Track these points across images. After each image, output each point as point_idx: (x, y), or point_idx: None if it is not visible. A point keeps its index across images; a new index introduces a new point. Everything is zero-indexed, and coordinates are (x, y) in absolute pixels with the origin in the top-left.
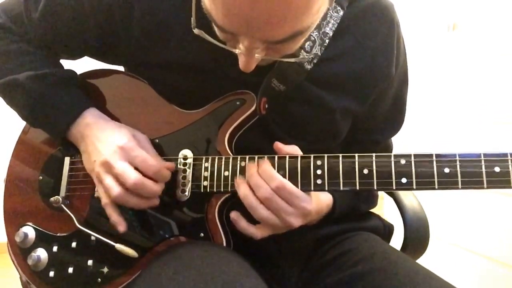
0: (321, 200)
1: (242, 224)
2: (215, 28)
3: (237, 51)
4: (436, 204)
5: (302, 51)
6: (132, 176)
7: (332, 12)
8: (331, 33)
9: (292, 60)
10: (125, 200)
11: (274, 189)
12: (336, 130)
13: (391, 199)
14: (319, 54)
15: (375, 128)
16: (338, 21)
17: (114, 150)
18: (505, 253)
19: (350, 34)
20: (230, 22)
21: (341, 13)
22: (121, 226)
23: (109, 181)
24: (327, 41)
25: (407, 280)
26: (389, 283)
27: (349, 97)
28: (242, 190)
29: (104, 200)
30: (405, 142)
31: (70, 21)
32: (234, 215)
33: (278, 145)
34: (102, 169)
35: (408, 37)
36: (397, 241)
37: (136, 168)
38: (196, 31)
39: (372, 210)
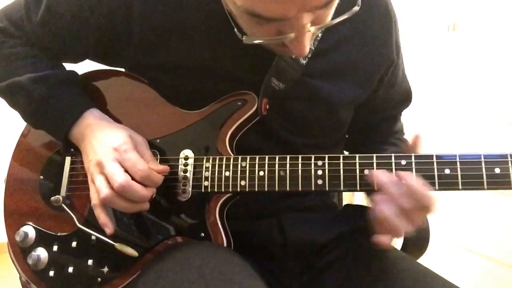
0: None
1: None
2: (252, 27)
3: (291, 35)
4: (436, 204)
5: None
6: (119, 178)
7: None
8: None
9: (341, 18)
10: (113, 202)
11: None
12: (338, 121)
13: None
14: (313, 48)
15: (393, 104)
16: None
17: (108, 151)
18: (505, 253)
19: (346, 23)
20: (278, 5)
21: None
22: (109, 228)
23: (99, 181)
24: (320, 35)
25: (409, 280)
26: (392, 283)
27: (349, 85)
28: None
29: (93, 201)
30: None
31: (71, 24)
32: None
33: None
34: (95, 169)
35: (408, 37)
36: (397, 241)
37: (128, 171)
38: (245, 39)
39: None
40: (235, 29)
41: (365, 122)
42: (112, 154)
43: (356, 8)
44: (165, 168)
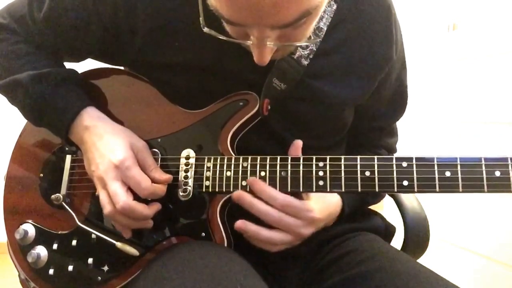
0: (331, 204)
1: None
2: (224, 24)
3: (249, 42)
4: (436, 204)
5: (299, 48)
6: (120, 199)
7: (326, 7)
8: (325, 28)
9: (305, 43)
10: (116, 219)
11: (279, 208)
12: (341, 123)
13: (391, 199)
14: (315, 49)
15: (380, 114)
16: (332, 15)
17: (109, 167)
18: (504, 253)
19: (347, 24)
20: (236, 13)
21: (335, 7)
22: (126, 233)
23: (102, 197)
24: (321, 35)
25: (410, 280)
26: (391, 283)
27: (351, 86)
28: (251, 230)
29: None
30: (404, 142)
31: (74, 22)
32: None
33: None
34: (98, 182)
35: (408, 37)
36: (397, 241)
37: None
38: (206, 30)
39: (372, 210)
40: (201, 18)
41: (354, 127)
42: (113, 171)
43: (318, 40)
44: (168, 178)
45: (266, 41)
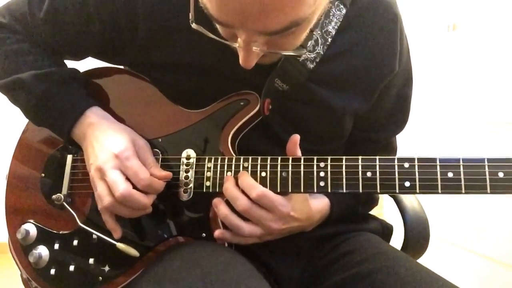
0: (312, 207)
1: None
2: (215, 23)
3: (236, 45)
4: (436, 204)
5: (305, 50)
6: (120, 187)
7: (335, 10)
8: (333, 32)
9: (291, 53)
10: (115, 210)
11: (255, 198)
12: (340, 130)
13: (391, 199)
14: (322, 53)
15: (377, 126)
16: (340, 19)
17: (109, 157)
18: (505, 253)
19: (353, 31)
20: (224, 14)
21: (344, 11)
22: (116, 233)
23: (101, 188)
24: (329, 39)
25: (409, 280)
26: (391, 283)
27: (353, 95)
28: (222, 210)
29: (99, 206)
30: (404, 142)
31: (74, 21)
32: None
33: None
34: (96, 174)
35: (408, 37)
36: (397, 241)
37: (129, 179)
38: (194, 25)
39: (372, 210)
40: (191, 14)
41: (351, 136)
42: (113, 161)
43: (304, 51)
44: (167, 174)
45: (253, 45)
